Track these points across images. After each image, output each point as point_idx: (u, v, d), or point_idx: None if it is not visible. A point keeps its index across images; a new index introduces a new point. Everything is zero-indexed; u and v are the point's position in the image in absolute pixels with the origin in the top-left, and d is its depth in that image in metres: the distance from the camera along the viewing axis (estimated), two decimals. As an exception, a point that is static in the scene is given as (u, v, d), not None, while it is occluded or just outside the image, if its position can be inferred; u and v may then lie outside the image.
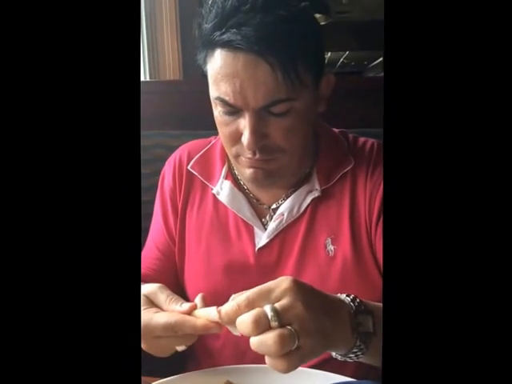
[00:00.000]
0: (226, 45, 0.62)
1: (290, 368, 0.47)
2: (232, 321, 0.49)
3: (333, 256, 0.71)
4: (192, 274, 0.78)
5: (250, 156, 0.67)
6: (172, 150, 0.85)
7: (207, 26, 0.64)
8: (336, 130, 0.79)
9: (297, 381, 0.56)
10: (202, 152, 0.80)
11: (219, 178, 0.77)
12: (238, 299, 0.49)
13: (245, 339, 0.78)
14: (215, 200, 0.77)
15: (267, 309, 0.47)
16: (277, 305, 0.47)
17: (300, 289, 0.49)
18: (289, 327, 0.46)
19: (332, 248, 0.71)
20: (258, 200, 0.76)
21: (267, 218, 0.75)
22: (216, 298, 0.74)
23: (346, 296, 0.55)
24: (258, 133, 0.64)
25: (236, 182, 0.77)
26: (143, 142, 1.03)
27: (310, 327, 0.47)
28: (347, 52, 7.85)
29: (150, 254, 0.81)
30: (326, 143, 0.76)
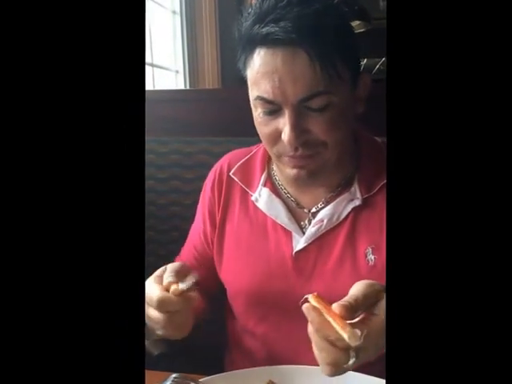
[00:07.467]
0: (265, 39, 0.64)
1: (336, 374, 0.50)
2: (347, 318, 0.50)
3: (373, 265, 0.71)
4: (231, 276, 0.80)
5: (292, 153, 0.68)
6: (214, 155, 0.87)
7: (246, 23, 0.67)
8: (379, 139, 0.79)
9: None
10: (244, 159, 0.82)
11: (258, 185, 0.79)
12: (349, 299, 0.50)
13: (282, 340, 0.79)
14: (254, 206, 0.79)
15: (352, 356, 0.49)
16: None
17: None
18: (353, 357, 0.48)
19: (372, 257, 0.71)
20: (297, 204, 0.78)
21: (306, 221, 0.76)
22: (254, 299, 0.78)
23: None
24: (298, 128, 0.66)
25: (275, 187, 0.79)
26: (187, 149, 1.07)
27: (371, 351, 0.50)
28: (383, 58, 7.72)
29: (187, 252, 0.87)
30: (368, 151, 0.77)
